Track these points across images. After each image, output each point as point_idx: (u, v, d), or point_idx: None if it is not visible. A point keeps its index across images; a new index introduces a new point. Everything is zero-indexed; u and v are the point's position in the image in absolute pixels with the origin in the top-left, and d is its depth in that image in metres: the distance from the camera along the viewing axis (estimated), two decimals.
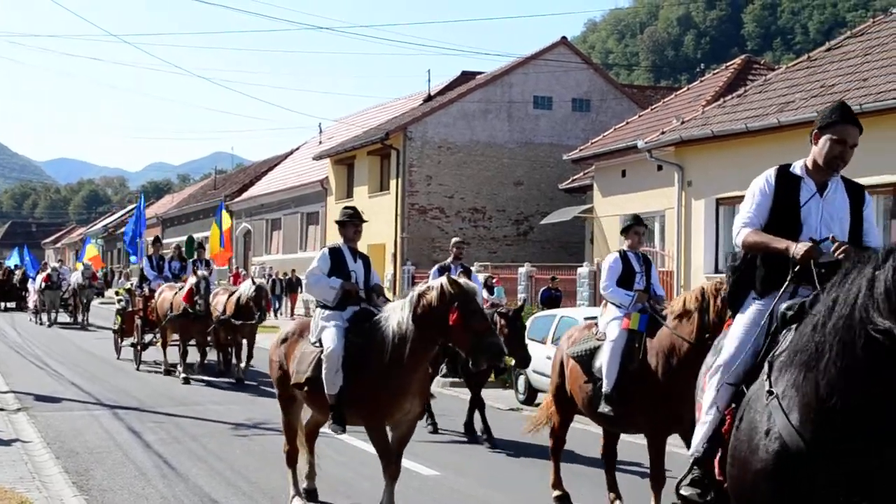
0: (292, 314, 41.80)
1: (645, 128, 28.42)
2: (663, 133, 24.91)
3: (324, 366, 9.48)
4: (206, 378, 21.59)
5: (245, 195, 58.67)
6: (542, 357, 18.49)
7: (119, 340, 25.54)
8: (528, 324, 20.04)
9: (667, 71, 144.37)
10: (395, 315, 9.19)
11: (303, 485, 10.44)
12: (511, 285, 31.61)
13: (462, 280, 9.05)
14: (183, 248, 26.66)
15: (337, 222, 10.44)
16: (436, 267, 16.15)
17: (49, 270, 39.42)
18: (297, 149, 62.18)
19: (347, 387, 9.39)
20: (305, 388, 9.78)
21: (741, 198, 24.01)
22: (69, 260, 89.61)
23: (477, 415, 15.24)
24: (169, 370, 22.04)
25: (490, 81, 40.94)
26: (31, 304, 42.00)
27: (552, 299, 26.35)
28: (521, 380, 19.30)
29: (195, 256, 24.14)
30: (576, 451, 13.54)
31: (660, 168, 25.71)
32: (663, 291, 11.30)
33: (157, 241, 25.35)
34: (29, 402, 17.20)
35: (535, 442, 14.41)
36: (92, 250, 48.76)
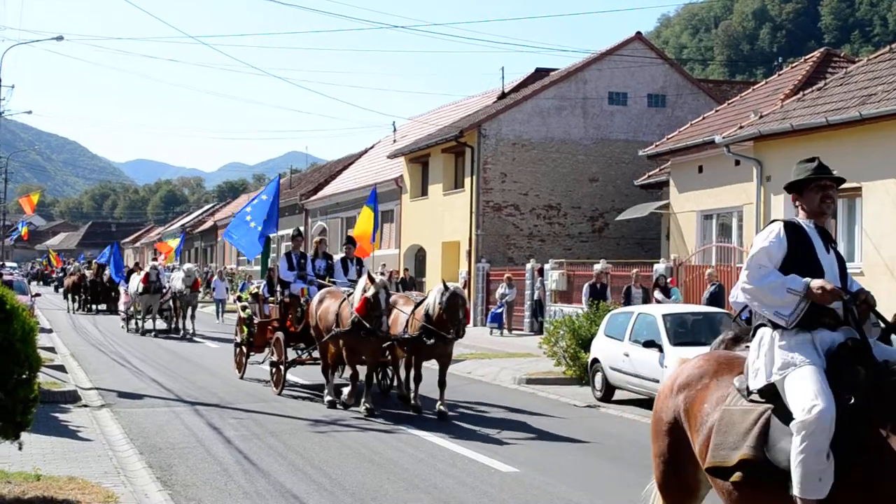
0: None
1: (722, 122, 28.11)
2: (741, 128, 24.61)
3: (796, 441, 5.51)
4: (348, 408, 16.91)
5: (320, 194, 59.08)
6: (619, 354, 18.45)
7: (244, 355, 21.30)
8: (604, 321, 20.02)
9: (742, 65, 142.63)
10: None
11: None
12: (587, 282, 31.44)
13: None
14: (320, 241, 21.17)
15: (789, 186, 6.47)
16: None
17: (148, 269, 34.30)
18: (372, 147, 62.50)
19: (838, 489, 5.51)
20: (737, 478, 5.85)
21: None
22: (147, 259, 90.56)
23: None
24: (334, 401, 17.32)
25: (564, 78, 40.75)
26: (122, 309, 37.49)
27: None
28: (599, 376, 19.19)
29: (344, 254, 19.95)
30: None
31: (737, 163, 25.41)
32: None
33: (298, 235, 20.40)
34: (112, 399, 17.51)
35: (612, 439, 14.37)
36: (166, 245, 47.32)
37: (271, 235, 21.71)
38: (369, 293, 16.01)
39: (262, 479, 11.19)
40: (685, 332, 18.11)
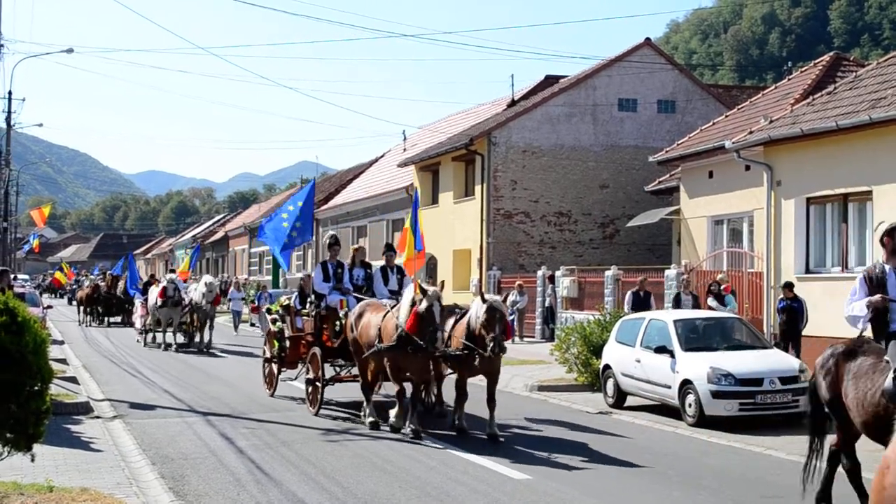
0: None
1: (732, 128, 28.05)
2: (751, 133, 24.55)
3: None
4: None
5: (331, 203, 59.14)
6: (630, 360, 18.41)
7: (274, 371, 20.02)
8: (615, 327, 19.99)
9: (751, 70, 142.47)
10: None
11: None
12: (598, 288, 31.44)
13: None
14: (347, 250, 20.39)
15: None
16: (862, 275, 10.02)
17: (165, 283, 33.18)
18: (382, 156, 62.58)
19: None
20: None
21: (832, 197, 23.69)
22: (159, 270, 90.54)
23: None
24: (377, 422, 15.97)
25: (574, 85, 40.76)
26: (137, 323, 36.66)
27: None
28: (610, 383, 19.15)
29: (384, 262, 18.41)
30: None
31: (747, 168, 25.34)
32: None
33: (335, 243, 18.62)
34: (124, 410, 17.54)
35: (625, 445, 14.35)
36: (185, 263, 46.86)
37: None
38: (421, 307, 14.48)
39: (274, 489, 11.19)
40: (696, 337, 18.08)
